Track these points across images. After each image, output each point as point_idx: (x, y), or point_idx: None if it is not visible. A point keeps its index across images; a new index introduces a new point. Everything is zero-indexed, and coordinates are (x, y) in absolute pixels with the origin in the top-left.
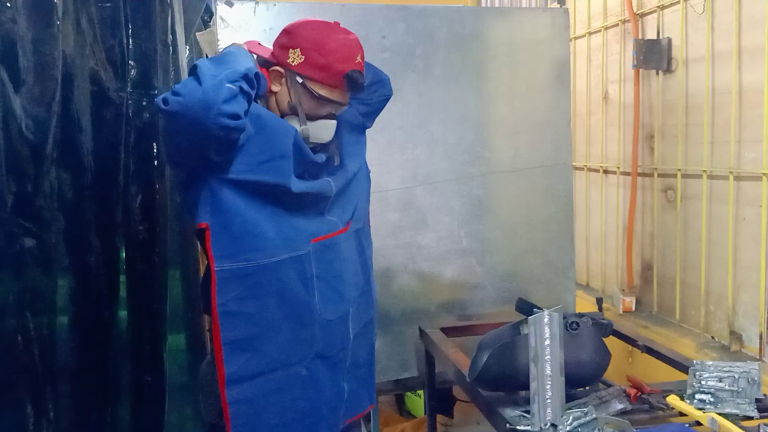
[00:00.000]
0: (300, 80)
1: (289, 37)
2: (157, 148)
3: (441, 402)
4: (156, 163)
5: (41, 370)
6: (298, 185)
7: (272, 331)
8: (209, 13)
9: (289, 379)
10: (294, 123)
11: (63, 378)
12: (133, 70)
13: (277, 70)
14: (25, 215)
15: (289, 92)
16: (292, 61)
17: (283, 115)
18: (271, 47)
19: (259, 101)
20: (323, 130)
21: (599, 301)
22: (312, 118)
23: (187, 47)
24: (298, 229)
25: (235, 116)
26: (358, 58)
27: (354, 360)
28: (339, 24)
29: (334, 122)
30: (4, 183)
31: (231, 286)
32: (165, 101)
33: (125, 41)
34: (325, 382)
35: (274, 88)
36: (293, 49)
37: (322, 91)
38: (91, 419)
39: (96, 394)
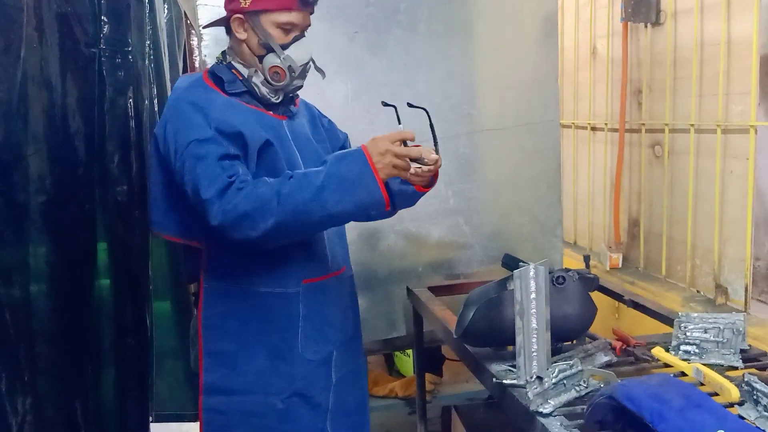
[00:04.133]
0: (259, 16)
1: None
2: (133, 108)
3: (430, 361)
4: (133, 123)
5: (21, 337)
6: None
7: (250, 352)
8: None
9: (266, 407)
10: (273, 59)
11: (43, 344)
12: (105, 26)
13: (238, 18)
14: None
15: (255, 33)
16: (245, 4)
17: (259, 57)
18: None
19: (233, 70)
20: (302, 50)
21: (587, 258)
22: (284, 47)
23: (166, 5)
24: (289, 266)
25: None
26: None
27: (340, 406)
28: None
29: (306, 39)
30: None
31: (216, 302)
32: (224, 217)
33: None
34: (303, 421)
35: (241, 36)
36: None
37: (283, 18)
38: (70, 383)
39: (75, 359)
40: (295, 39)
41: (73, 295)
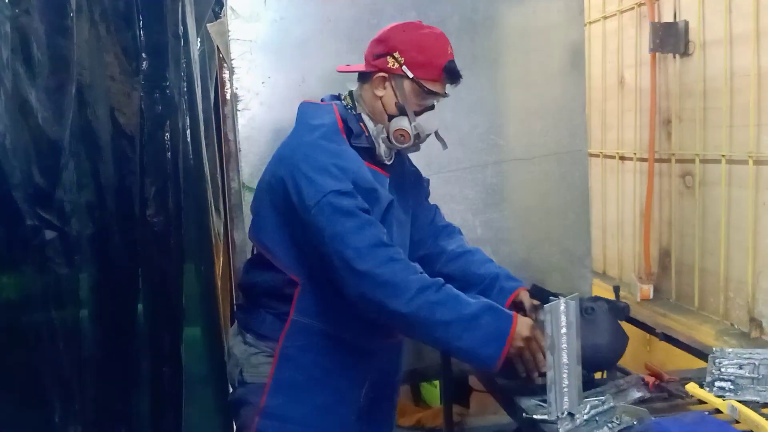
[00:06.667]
0: (404, 80)
1: (383, 44)
2: (170, 140)
3: (457, 391)
4: (170, 155)
5: (64, 362)
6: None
7: (317, 389)
8: (220, 5)
9: None
10: (402, 122)
11: (85, 370)
12: (145, 63)
13: (381, 76)
14: (45, 207)
15: (395, 93)
16: (393, 65)
17: (389, 116)
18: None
19: (361, 123)
20: (431, 120)
21: (616, 289)
22: (416, 113)
23: (199, 39)
24: (377, 325)
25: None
26: (449, 50)
27: None
28: (421, 22)
29: (436, 110)
30: (24, 175)
31: (298, 335)
32: (372, 285)
33: (138, 33)
34: None
35: (379, 93)
36: (391, 54)
37: (427, 88)
38: (114, 410)
39: (118, 386)
40: (428, 108)
41: (117, 324)
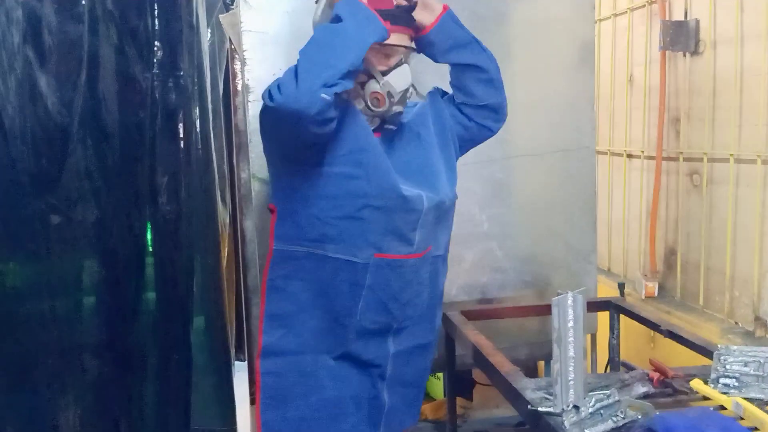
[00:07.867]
0: None
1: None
2: (183, 130)
3: (460, 385)
4: (182, 144)
5: (67, 349)
6: (387, 181)
7: (308, 314)
8: None
9: (317, 365)
10: (373, 85)
11: (89, 357)
12: (159, 51)
13: None
14: (52, 193)
15: None
16: None
17: (360, 84)
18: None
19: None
20: (401, 78)
21: (621, 286)
22: (385, 73)
23: (209, 30)
24: (363, 238)
25: (326, 122)
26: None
27: (399, 377)
28: None
29: (406, 66)
30: (31, 160)
31: (282, 264)
32: (270, 97)
33: (150, 22)
34: (353, 378)
35: None
36: None
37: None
38: (118, 398)
39: (123, 373)
40: (397, 65)
41: (122, 311)
